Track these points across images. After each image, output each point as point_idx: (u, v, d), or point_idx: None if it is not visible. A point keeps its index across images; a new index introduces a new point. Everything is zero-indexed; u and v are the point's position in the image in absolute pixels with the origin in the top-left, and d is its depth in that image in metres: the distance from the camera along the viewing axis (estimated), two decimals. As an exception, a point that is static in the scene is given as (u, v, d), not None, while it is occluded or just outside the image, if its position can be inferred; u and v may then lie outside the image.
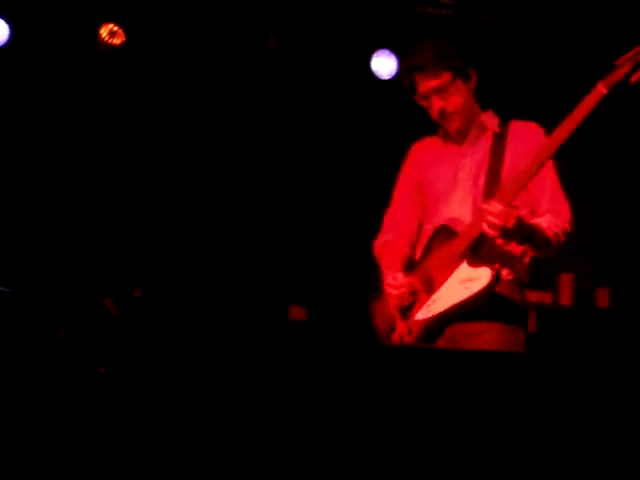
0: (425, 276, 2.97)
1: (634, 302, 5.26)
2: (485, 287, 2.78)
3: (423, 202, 3.17)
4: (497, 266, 2.81)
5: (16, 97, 5.20)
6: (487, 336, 2.85)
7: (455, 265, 2.87)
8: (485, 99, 3.12)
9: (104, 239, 5.40)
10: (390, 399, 2.11)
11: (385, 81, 5.47)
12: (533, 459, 1.99)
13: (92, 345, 3.88)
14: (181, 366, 2.33)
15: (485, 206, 2.73)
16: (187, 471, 2.23)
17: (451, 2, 5.35)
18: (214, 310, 5.27)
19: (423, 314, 2.93)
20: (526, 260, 2.97)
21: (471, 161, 3.02)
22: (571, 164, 2.94)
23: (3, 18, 4.93)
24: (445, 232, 2.96)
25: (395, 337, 3.02)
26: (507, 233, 2.74)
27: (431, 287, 2.94)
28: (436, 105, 2.96)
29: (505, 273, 2.88)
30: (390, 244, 3.22)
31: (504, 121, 3.05)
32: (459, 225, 2.93)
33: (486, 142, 3.02)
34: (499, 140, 2.98)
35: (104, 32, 5.10)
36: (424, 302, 2.95)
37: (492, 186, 2.90)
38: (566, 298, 5.41)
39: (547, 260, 3.01)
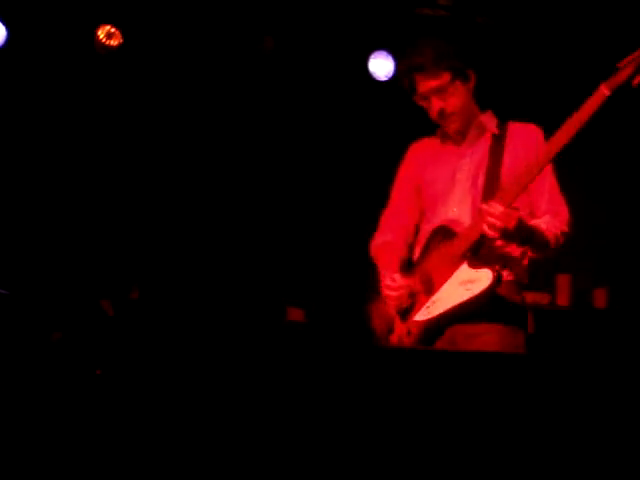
0: (424, 277, 2.97)
1: (632, 302, 5.27)
2: (486, 289, 2.78)
3: (421, 203, 3.18)
4: (498, 267, 2.81)
5: (14, 99, 5.19)
6: (487, 337, 2.85)
7: (455, 266, 2.87)
8: (482, 100, 3.12)
9: (101, 241, 5.40)
10: (389, 401, 2.10)
11: (382, 82, 5.47)
12: (533, 460, 1.99)
13: (89, 347, 3.88)
14: (179, 368, 2.33)
15: (485, 207, 2.73)
16: (183, 473, 2.22)
17: (449, 3, 5.36)
18: (212, 312, 5.27)
19: (423, 315, 2.93)
20: (525, 261, 2.98)
21: (470, 162, 3.02)
22: (568, 165, 2.93)
23: (0, 20, 4.92)
24: (444, 233, 2.96)
25: (394, 338, 3.01)
26: (507, 234, 2.75)
27: (430, 288, 2.94)
28: (435, 105, 2.97)
29: (505, 274, 2.87)
30: (387, 245, 3.22)
31: (502, 122, 3.05)
32: (458, 226, 2.94)
33: (485, 143, 3.02)
34: (498, 141, 2.99)
35: (101, 34, 5.09)
36: (423, 303, 2.94)
37: (491, 187, 2.90)
38: (563, 299, 5.41)
39: (544, 261, 3.01)
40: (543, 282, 5.39)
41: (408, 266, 3.11)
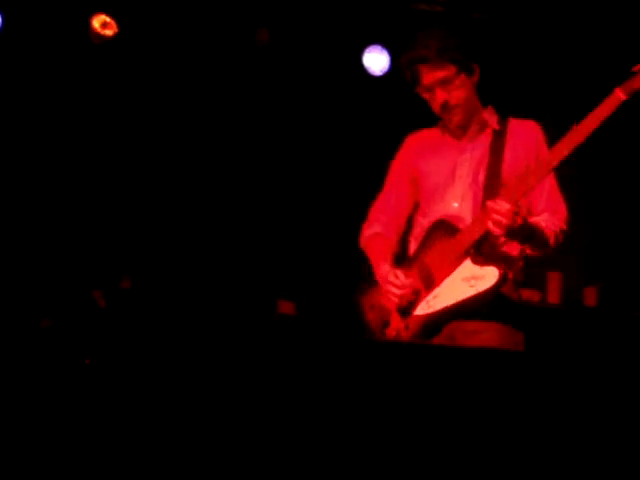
0: (423, 271, 2.95)
1: (622, 301, 5.28)
2: (493, 286, 2.77)
3: (416, 194, 3.16)
4: (503, 266, 2.80)
5: (7, 88, 5.17)
6: (486, 335, 2.84)
7: (457, 262, 2.86)
8: (480, 95, 3.11)
9: (93, 230, 5.39)
10: (387, 397, 2.09)
11: (377, 77, 5.46)
12: (529, 457, 1.99)
13: (79, 336, 3.88)
14: (169, 359, 2.33)
15: (492, 204, 2.72)
16: (172, 465, 2.22)
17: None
18: (202, 305, 5.27)
19: (422, 310, 2.92)
20: (521, 259, 2.97)
21: (471, 157, 3.01)
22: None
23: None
24: (445, 228, 2.94)
25: (390, 332, 2.99)
26: (511, 232, 2.75)
27: (430, 283, 2.92)
28: (440, 97, 2.94)
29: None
30: (379, 236, 3.20)
31: (502, 118, 3.04)
32: (459, 221, 2.93)
33: (485, 139, 3.01)
34: (498, 137, 2.98)
35: (96, 23, 5.08)
36: (423, 298, 2.93)
37: (492, 184, 2.90)
38: (554, 297, 5.42)
39: (540, 259, 3.01)
40: (533, 280, 5.40)
41: (402, 259, 3.10)
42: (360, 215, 3.37)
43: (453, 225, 2.93)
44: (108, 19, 5.09)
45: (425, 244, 3.01)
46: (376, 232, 3.22)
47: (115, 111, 5.41)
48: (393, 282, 2.95)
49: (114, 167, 5.44)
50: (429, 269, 2.93)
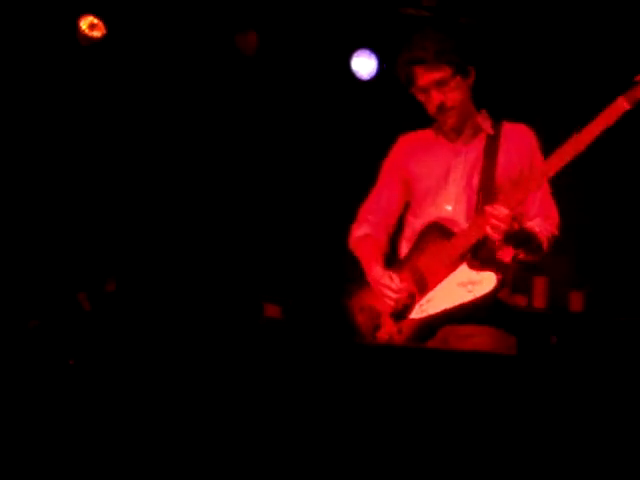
0: (416, 274, 2.94)
1: (608, 306, 5.30)
2: (491, 292, 2.78)
3: (408, 195, 3.15)
4: (501, 271, 2.81)
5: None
6: (480, 339, 2.85)
7: (452, 266, 2.86)
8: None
9: (79, 233, 5.37)
10: (379, 401, 2.08)
11: (365, 81, 5.47)
12: (519, 461, 1.99)
13: (63, 337, 3.86)
14: (154, 362, 2.32)
15: (490, 209, 2.72)
16: (155, 464, 2.21)
17: (432, 4, 5.36)
18: (188, 308, 5.25)
19: (417, 314, 2.91)
20: (513, 264, 2.97)
21: (465, 160, 3.00)
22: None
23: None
24: (439, 230, 2.94)
25: (382, 336, 2.98)
26: (508, 238, 2.75)
27: (424, 286, 2.91)
28: (435, 99, 2.93)
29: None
30: (370, 237, 3.19)
31: (496, 122, 3.04)
32: (454, 225, 2.93)
33: (479, 143, 3.01)
34: (492, 142, 2.98)
35: (84, 25, 5.06)
36: (417, 301, 2.93)
37: (487, 188, 2.90)
38: (540, 301, 5.43)
39: (532, 264, 3.02)
40: (520, 284, 5.41)
41: (392, 260, 3.09)
42: (345, 217, 3.36)
43: (447, 228, 2.92)
44: (96, 20, 5.07)
45: (418, 246, 3.00)
46: (366, 233, 3.21)
47: (100, 115, 5.39)
48: (389, 285, 2.94)
49: (100, 170, 5.42)
50: (422, 272, 2.93)
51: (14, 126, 5.21)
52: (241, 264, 5.57)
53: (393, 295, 2.92)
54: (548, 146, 2.89)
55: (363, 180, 3.35)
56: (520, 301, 5.38)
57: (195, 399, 2.21)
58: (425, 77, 2.91)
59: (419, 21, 5.26)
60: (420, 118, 3.15)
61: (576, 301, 5.47)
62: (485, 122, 3.02)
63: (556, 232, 2.94)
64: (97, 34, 5.07)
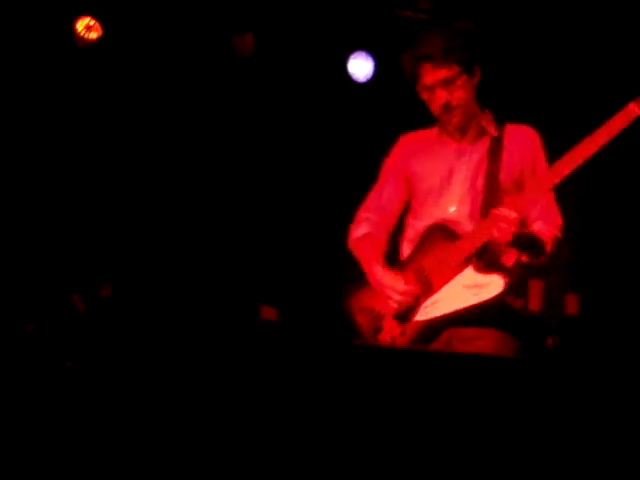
0: (420, 276, 2.91)
1: (603, 309, 5.30)
2: (497, 295, 2.77)
3: (408, 195, 3.12)
4: (507, 274, 2.79)
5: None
6: (484, 342, 2.82)
7: (458, 269, 2.83)
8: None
9: (75, 236, 5.35)
10: (381, 405, 2.06)
11: (361, 83, 5.47)
12: (523, 463, 1.98)
13: (60, 339, 3.85)
14: (150, 365, 2.31)
15: (498, 212, 2.71)
16: (151, 464, 2.20)
17: (429, 7, 5.37)
18: (184, 311, 5.24)
19: (421, 316, 2.89)
20: (516, 267, 2.95)
21: (469, 161, 2.98)
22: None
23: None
24: (444, 232, 2.91)
25: (384, 337, 2.94)
26: (514, 241, 2.74)
27: (428, 288, 2.89)
28: (441, 97, 2.90)
29: None
30: (370, 237, 3.15)
31: (499, 123, 3.02)
32: (458, 226, 2.90)
33: (483, 144, 2.98)
34: (496, 143, 2.95)
35: (80, 26, 5.05)
36: (420, 304, 2.90)
37: (491, 190, 2.88)
38: (535, 304, 5.43)
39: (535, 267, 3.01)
40: (517, 287, 5.40)
41: (393, 261, 3.06)
42: (340, 218, 3.33)
43: (452, 230, 2.90)
44: (92, 22, 5.06)
45: (421, 248, 2.97)
46: (366, 232, 3.17)
47: (97, 117, 5.38)
48: (393, 287, 2.91)
49: (95, 172, 5.40)
50: (426, 274, 2.90)
51: (10, 128, 5.20)
52: (237, 266, 5.56)
53: (398, 297, 2.89)
54: (553, 148, 2.89)
55: (359, 181, 3.34)
56: (516, 304, 5.38)
57: (192, 402, 2.20)
58: (431, 75, 2.88)
59: (415, 23, 5.26)
60: (417, 120, 3.15)
61: (572, 304, 5.48)
62: (489, 123, 3.00)
63: (559, 235, 2.92)
64: (93, 36, 5.06)
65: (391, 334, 2.93)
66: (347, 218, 3.28)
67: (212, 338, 2.30)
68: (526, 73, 5.25)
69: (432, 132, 3.11)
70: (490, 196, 2.86)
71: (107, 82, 5.32)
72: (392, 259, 3.08)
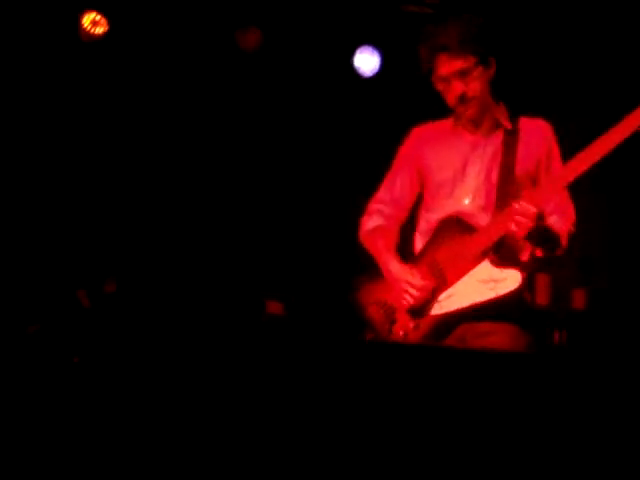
0: (434, 269, 2.90)
1: (610, 304, 5.28)
2: (515, 290, 2.76)
3: (421, 188, 3.11)
4: (523, 269, 2.78)
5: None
6: (498, 337, 2.80)
7: (474, 262, 2.82)
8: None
9: (78, 233, 5.35)
10: (393, 402, 2.04)
11: (367, 78, 5.47)
12: (537, 461, 1.96)
13: (65, 336, 3.85)
14: (156, 361, 2.30)
15: (517, 206, 2.68)
16: (157, 464, 2.20)
17: (435, 1, 5.35)
18: (189, 306, 5.24)
19: (435, 310, 2.87)
20: (532, 261, 2.94)
21: (483, 153, 2.96)
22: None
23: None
24: (459, 225, 2.90)
25: (398, 331, 2.92)
26: (530, 235, 2.73)
27: (443, 282, 2.87)
28: (457, 88, 2.88)
29: None
30: (383, 229, 3.14)
31: (513, 116, 3.00)
32: (472, 219, 2.88)
33: (498, 137, 2.96)
34: (511, 137, 2.94)
35: (86, 21, 5.04)
36: (435, 298, 2.88)
37: (506, 183, 2.87)
38: (542, 298, 5.41)
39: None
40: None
41: (405, 254, 3.03)
42: (348, 211, 3.33)
43: (467, 223, 2.88)
44: (98, 17, 5.05)
45: (435, 241, 2.95)
46: (378, 225, 3.16)
47: (101, 113, 5.37)
48: (410, 281, 2.89)
49: (99, 168, 5.40)
50: (441, 268, 2.88)
51: (14, 124, 5.20)
52: (242, 261, 5.56)
53: (414, 292, 2.87)
54: (568, 142, 2.88)
55: (366, 174, 3.33)
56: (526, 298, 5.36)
57: (198, 398, 2.19)
58: (448, 65, 2.86)
59: (421, 18, 5.25)
60: (422, 114, 3.15)
61: (579, 299, 5.46)
62: (503, 116, 2.98)
63: (573, 229, 2.92)
64: (99, 31, 5.05)
65: (404, 328, 2.91)
66: (355, 210, 3.27)
67: (217, 333, 2.30)
68: (538, 67, 5.22)
69: (446, 123, 3.08)
70: (504, 189, 2.85)
71: (113, 77, 5.30)
72: (402, 252, 3.05)
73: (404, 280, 2.91)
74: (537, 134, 2.96)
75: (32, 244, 5.16)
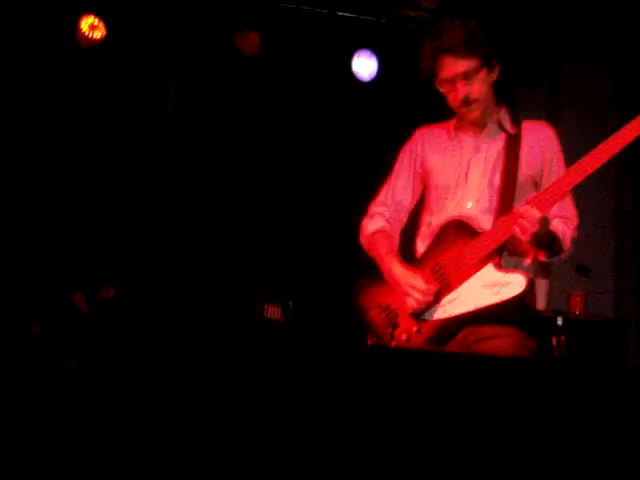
0: (438, 274, 2.88)
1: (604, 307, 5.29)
2: (519, 294, 2.73)
3: (422, 191, 3.10)
4: (528, 273, 2.76)
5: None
6: (501, 340, 2.79)
7: (477, 266, 2.80)
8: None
9: (76, 237, 5.33)
10: (386, 408, 2.01)
11: (365, 82, 5.47)
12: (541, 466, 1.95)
13: (63, 340, 3.84)
14: (152, 365, 2.29)
15: (522, 211, 2.67)
16: (156, 465, 2.19)
17: (432, 6, 5.36)
18: (187, 310, 5.23)
19: (438, 314, 2.85)
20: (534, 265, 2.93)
21: (486, 157, 2.96)
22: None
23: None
24: (462, 228, 2.88)
25: (400, 336, 2.90)
26: (534, 239, 2.71)
27: (446, 286, 2.85)
28: (461, 91, 2.88)
29: None
30: (385, 232, 3.13)
31: (515, 120, 3.00)
32: (474, 223, 2.87)
33: (500, 141, 2.96)
34: (514, 141, 2.94)
35: (84, 26, 5.03)
36: (438, 302, 2.86)
37: (509, 188, 2.86)
38: (541, 302, 5.42)
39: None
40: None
41: (406, 257, 3.02)
42: (347, 214, 3.31)
43: (470, 226, 2.86)
44: (96, 21, 5.05)
45: (438, 244, 2.94)
46: (380, 228, 3.15)
47: (100, 116, 5.36)
48: (413, 285, 2.87)
49: (97, 172, 5.39)
50: (444, 271, 2.86)
51: (14, 127, 5.19)
52: (242, 265, 5.54)
53: (418, 296, 2.85)
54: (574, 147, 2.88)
55: (365, 177, 3.33)
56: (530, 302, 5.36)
57: (195, 404, 2.18)
58: (452, 67, 2.85)
59: (418, 23, 5.26)
60: (422, 116, 3.15)
61: (576, 302, 5.46)
62: (506, 119, 2.98)
63: (575, 234, 2.91)
64: (97, 35, 5.04)
65: (407, 332, 2.89)
66: (355, 213, 3.26)
67: (215, 337, 2.28)
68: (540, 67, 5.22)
69: (449, 126, 3.08)
70: (507, 193, 2.84)
71: (111, 80, 5.29)
72: (403, 255, 3.03)
73: (407, 283, 2.89)
74: (540, 138, 2.95)
75: (31, 247, 5.14)
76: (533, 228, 2.66)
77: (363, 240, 3.20)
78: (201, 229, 5.53)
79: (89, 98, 5.29)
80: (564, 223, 2.90)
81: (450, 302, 2.84)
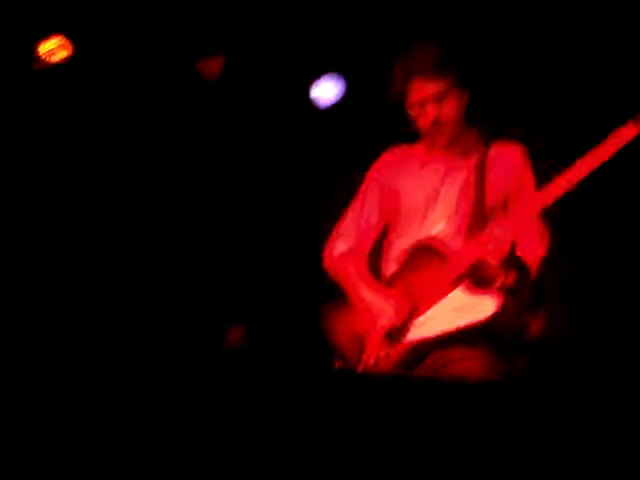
0: (407, 297, 2.88)
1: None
2: (489, 317, 2.75)
3: (390, 213, 3.10)
4: (496, 296, 2.77)
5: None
6: (470, 363, 2.79)
7: (447, 289, 2.81)
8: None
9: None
10: (369, 436, 2.00)
11: (327, 107, 5.48)
12: None
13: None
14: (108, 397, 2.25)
15: (490, 232, 2.70)
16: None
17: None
18: (145, 332, 5.16)
19: (407, 337, 2.85)
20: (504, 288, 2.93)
21: (455, 180, 2.98)
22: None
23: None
24: (431, 251, 2.89)
25: (368, 360, 2.89)
26: (506, 261, 2.75)
27: (415, 309, 2.86)
28: (431, 113, 2.90)
29: None
30: (353, 256, 3.12)
31: (486, 141, 3.01)
32: (443, 246, 2.87)
33: (470, 162, 2.98)
34: (483, 162, 2.96)
35: (43, 50, 4.97)
36: (408, 325, 2.86)
37: (478, 210, 2.88)
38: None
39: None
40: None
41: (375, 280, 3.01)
42: (310, 239, 3.31)
43: (439, 249, 2.87)
44: (55, 45, 4.99)
45: (407, 267, 2.95)
46: (346, 250, 3.15)
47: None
48: (383, 308, 2.88)
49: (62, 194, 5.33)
50: (413, 294, 2.87)
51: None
52: (203, 287, 5.50)
53: (388, 319, 2.86)
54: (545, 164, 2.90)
55: (330, 201, 3.32)
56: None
57: (154, 438, 2.13)
58: (423, 90, 2.88)
59: (383, 45, 5.27)
60: (388, 141, 3.16)
61: (536, 325, 5.48)
62: (477, 141, 3.00)
63: (545, 253, 2.93)
64: (57, 59, 4.98)
65: (375, 356, 2.89)
66: (319, 236, 3.27)
67: (175, 361, 2.26)
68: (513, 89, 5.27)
69: (418, 148, 3.10)
70: (477, 215, 2.86)
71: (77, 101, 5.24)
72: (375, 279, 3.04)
73: (376, 306, 2.90)
74: (509, 160, 2.98)
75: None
76: (503, 250, 2.67)
77: (328, 264, 3.20)
78: (161, 248, 5.48)
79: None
80: (534, 244, 2.92)
81: (420, 325, 2.85)
